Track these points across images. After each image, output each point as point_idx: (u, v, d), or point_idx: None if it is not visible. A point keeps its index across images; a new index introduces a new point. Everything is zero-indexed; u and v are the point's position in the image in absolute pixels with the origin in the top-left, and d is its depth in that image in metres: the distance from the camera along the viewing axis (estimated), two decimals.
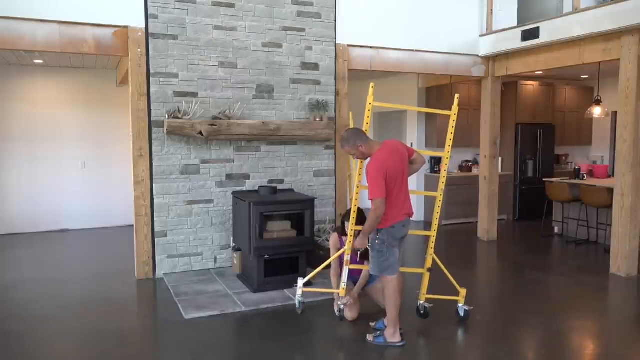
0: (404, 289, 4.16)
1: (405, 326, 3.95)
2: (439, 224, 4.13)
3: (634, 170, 5.39)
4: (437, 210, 4.10)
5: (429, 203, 8.60)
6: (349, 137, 3.67)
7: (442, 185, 4.06)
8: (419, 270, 4.19)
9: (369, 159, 3.69)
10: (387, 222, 3.62)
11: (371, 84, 3.73)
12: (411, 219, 3.83)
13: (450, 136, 4.01)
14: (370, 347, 3.69)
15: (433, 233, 4.08)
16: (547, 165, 9.12)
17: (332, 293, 4.22)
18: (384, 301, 3.81)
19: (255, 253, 4.83)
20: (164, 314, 4.38)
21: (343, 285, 3.93)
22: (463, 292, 4.20)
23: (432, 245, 4.07)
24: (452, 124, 3.98)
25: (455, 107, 3.96)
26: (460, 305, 4.19)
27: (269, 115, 5.73)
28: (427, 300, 4.14)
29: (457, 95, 4.04)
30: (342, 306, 3.98)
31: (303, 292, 4.04)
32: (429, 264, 4.06)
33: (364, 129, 3.74)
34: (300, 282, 4.05)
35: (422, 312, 4.15)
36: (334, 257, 4.13)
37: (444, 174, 4.05)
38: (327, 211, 6.10)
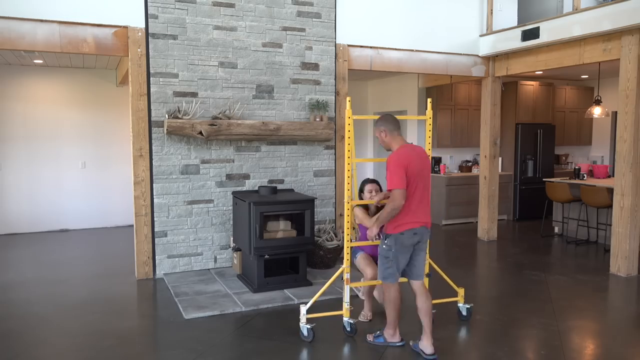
0: (406, 294, 4.13)
1: (405, 326, 3.95)
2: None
3: (634, 170, 5.39)
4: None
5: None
6: (379, 120, 3.65)
7: None
8: None
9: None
10: (397, 228, 3.46)
11: (348, 98, 3.79)
12: (428, 228, 3.60)
13: (428, 140, 4.02)
14: (371, 347, 3.69)
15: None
16: (547, 165, 9.12)
17: (344, 301, 3.89)
18: (384, 304, 3.77)
19: (255, 253, 4.83)
20: (164, 314, 4.38)
21: (346, 305, 3.82)
22: (461, 291, 4.20)
23: (427, 250, 3.94)
24: (428, 127, 4.00)
25: (429, 111, 3.98)
26: (460, 305, 4.19)
27: (269, 115, 5.73)
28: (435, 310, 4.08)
29: (429, 100, 4.08)
30: (352, 322, 3.85)
31: (307, 318, 3.80)
32: (426, 269, 3.99)
33: (346, 142, 3.71)
34: (303, 309, 3.82)
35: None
36: (375, 220, 3.70)
37: None
38: (327, 211, 6.10)
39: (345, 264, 3.79)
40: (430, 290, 3.75)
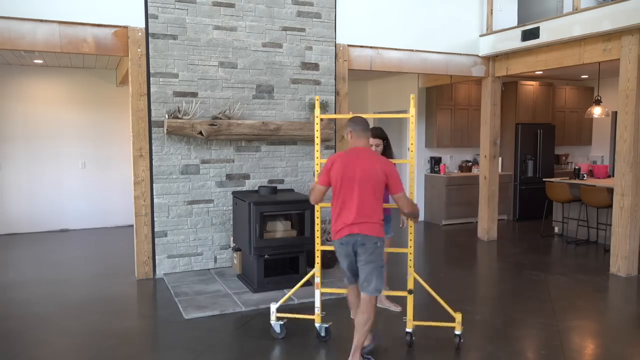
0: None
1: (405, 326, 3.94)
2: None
3: (634, 170, 5.39)
4: (411, 224, 3.66)
5: (429, 203, 8.60)
6: (349, 120, 3.42)
7: (410, 196, 3.61)
8: (402, 293, 3.80)
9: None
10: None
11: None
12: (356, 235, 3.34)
13: (412, 140, 3.67)
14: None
15: (410, 250, 3.65)
16: (547, 165, 9.12)
17: (315, 306, 3.81)
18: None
19: (255, 253, 4.83)
20: (164, 314, 4.38)
21: (317, 310, 3.76)
22: (458, 317, 3.64)
23: (410, 264, 3.65)
24: (411, 126, 3.65)
25: (412, 109, 3.59)
26: (457, 332, 3.66)
27: (269, 115, 5.73)
28: (415, 327, 3.72)
29: (412, 96, 3.59)
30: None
31: (277, 317, 3.82)
32: (410, 284, 3.64)
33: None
34: (273, 306, 3.85)
35: (407, 340, 3.69)
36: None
37: (411, 176, 3.71)
38: (327, 211, 6.09)
39: (317, 267, 3.70)
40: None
